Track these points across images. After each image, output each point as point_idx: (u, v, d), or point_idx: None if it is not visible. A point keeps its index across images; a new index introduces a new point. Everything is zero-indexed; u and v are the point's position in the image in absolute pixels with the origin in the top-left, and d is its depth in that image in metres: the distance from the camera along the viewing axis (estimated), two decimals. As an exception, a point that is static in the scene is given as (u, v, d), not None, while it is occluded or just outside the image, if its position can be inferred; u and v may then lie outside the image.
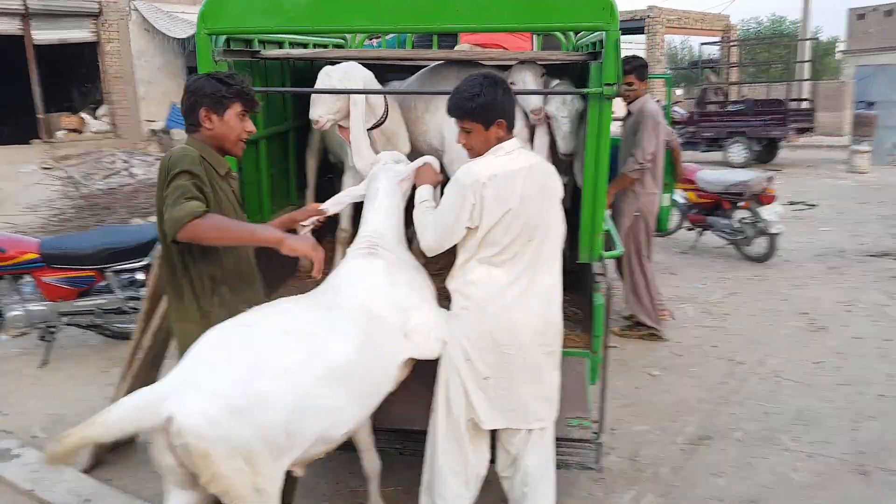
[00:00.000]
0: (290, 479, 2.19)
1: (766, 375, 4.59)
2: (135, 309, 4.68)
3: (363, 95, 3.37)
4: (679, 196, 7.03)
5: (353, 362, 2.29)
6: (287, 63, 4.23)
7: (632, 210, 5.02)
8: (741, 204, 7.06)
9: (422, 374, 2.84)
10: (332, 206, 2.99)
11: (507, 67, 3.78)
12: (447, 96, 2.61)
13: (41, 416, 4.05)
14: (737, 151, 14.62)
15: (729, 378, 4.56)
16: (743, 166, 13.74)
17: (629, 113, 5.06)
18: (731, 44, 21.37)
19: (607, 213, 4.02)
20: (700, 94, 16.34)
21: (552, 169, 2.66)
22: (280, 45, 4.20)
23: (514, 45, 4.98)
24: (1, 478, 3.37)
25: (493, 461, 2.79)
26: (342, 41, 5.11)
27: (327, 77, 3.35)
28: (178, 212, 2.13)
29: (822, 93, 19.84)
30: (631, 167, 4.84)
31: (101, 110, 15.81)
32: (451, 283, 2.67)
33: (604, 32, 2.93)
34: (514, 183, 2.49)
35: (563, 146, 3.69)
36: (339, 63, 3.53)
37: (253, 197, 3.84)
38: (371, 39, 5.84)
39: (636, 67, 4.94)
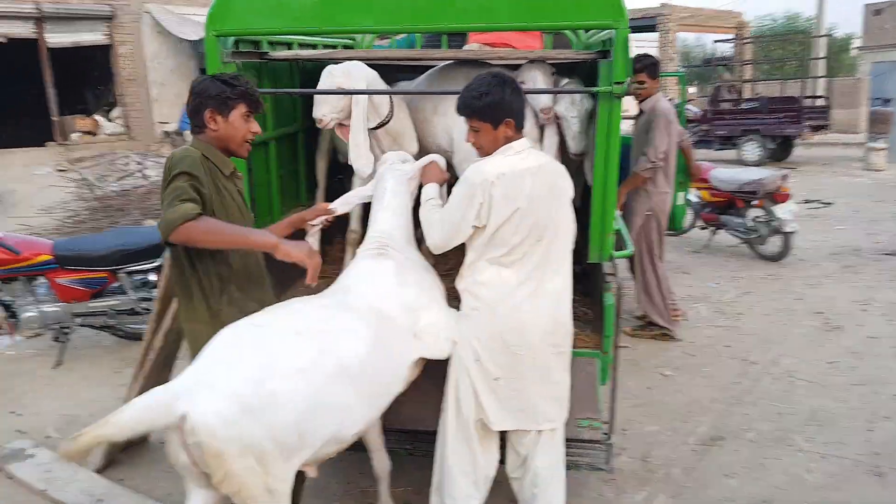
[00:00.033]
0: (298, 480, 2.19)
1: (780, 375, 4.55)
2: (147, 310, 4.71)
3: (365, 94, 3.36)
4: (692, 195, 6.99)
5: (364, 363, 2.29)
6: (296, 64, 4.24)
7: (644, 209, 4.99)
8: (755, 202, 7.00)
9: (431, 375, 2.84)
10: (340, 206, 3.00)
11: (517, 67, 3.77)
12: (455, 97, 2.61)
13: (55, 416, 4.08)
14: (751, 149, 14.48)
15: (742, 378, 4.52)
16: (757, 164, 13.62)
17: (641, 111, 5.03)
18: (745, 41, 21.22)
19: (618, 212, 4.01)
20: (713, 92, 16.21)
21: (562, 169, 2.65)
22: (289, 46, 4.21)
23: (524, 44, 4.95)
24: (15, 477, 3.40)
25: (502, 462, 2.78)
26: (351, 42, 5.13)
27: (330, 76, 3.35)
28: (171, 214, 2.13)
29: (838, 90, 19.64)
30: (643, 166, 4.81)
31: (115, 112, 15.94)
32: (461, 284, 2.66)
33: (613, 30, 2.91)
34: (522, 182, 2.48)
35: (574, 146, 3.67)
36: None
37: (263, 198, 3.86)
38: (382, 39, 5.85)
39: (648, 66, 4.91)
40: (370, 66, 3.65)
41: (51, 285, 4.82)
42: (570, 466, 2.98)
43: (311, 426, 2.09)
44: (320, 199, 4.32)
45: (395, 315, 2.56)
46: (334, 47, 4.60)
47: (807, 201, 9.98)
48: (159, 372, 3.47)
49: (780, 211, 6.83)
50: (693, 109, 15.31)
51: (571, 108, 3.59)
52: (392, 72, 4.36)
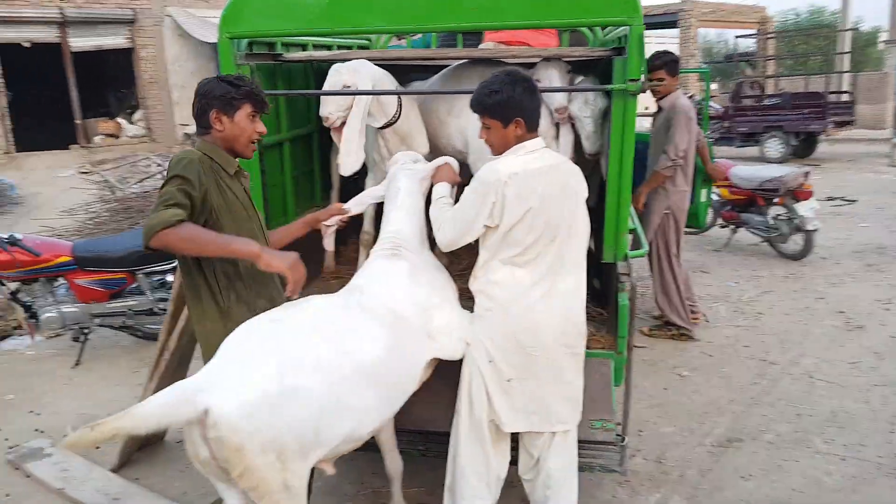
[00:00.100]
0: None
1: (800, 376, 4.47)
2: (165, 310, 4.75)
3: (373, 94, 3.35)
4: (713, 193, 6.89)
5: (380, 362, 2.30)
6: (310, 65, 4.25)
7: (662, 208, 4.94)
8: (776, 200, 6.90)
9: (444, 375, 2.83)
10: (354, 206, 3.00)
11: (533, 65, 3.74)
12: (469, 97, 2.59)
13: (73, 416, 4.13)
14: (773, 146, 14.28)
15: (760, 378, 4.45)
16: (780, 162, 13.43)
17: (660, 109, 4.98)
18: (768, 36, 20.92)
19: (632, 211, 3.97)
20: (735, 89, 16.01)
21: (576, 169, 2.63)
22: (303, 47, 4.23)
23: (539, 41, 4.93)
24: (32, 476, 3.45)
25: (514, 463, 2.76)
26: (367, 42, 5.13)
27: (337, 74, 3.36)
28: (153, 219, 2.14)
29: (864, 85, 19.29)
30: (664, 164, 4.76)
31: (137, 115, 16.12)
32: (474, 284, 2.65)
33: (627, 27, 2.88)
34: (535, 182, 2.46)
35: (588, 146, 3.65)
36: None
37: (277, 198, 3.88)
38: (400, 39, 5.85)
39: (667, 62, 4.86)
40: (383, 66, 3.65)
41: (70, 286, 4.89)
42: (584, 468, 2.96)
43: (329, 423, 2.10)
44: (335, 200, 4.33)
45: (409, 315, 2.56)
46: (349, 48, 4.60)
47: (830, 198, 9.83)
48: (174, 372, 3.49)
49: (802, 208, 6.72)
50: (715, 106, 15.13)
51: (584, 107, 3.56)
52: (406, 72, 4.36)
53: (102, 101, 17.04)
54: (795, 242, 7.03)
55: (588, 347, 2.80)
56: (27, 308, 4.90)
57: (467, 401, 2.67)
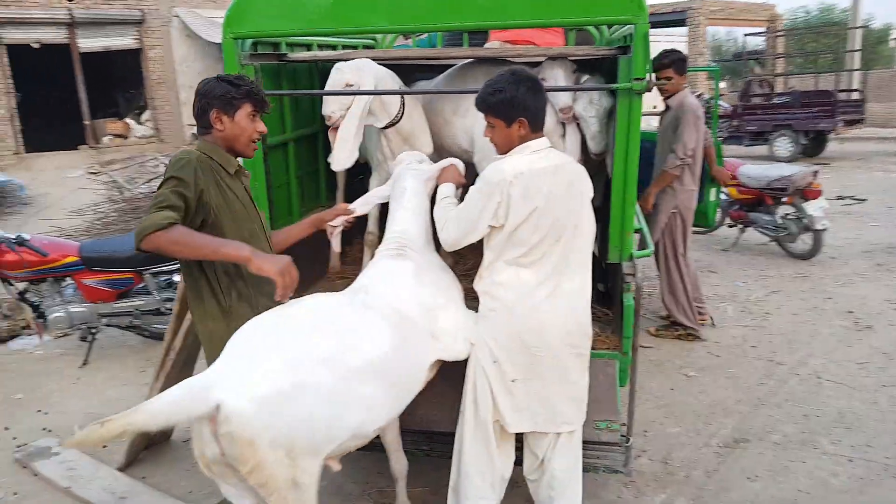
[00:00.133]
0: None
1: (807, 376, 4.44)
2: (172, 310, 4.77)
3: (366, 88, 3.35)
4: (721, 192, 6.86)
5: (386, 359, 2.30)
6: (315, 65, 4.26)
7: (669, 207, 4.92)
8: (785, 199, 6.84)
9: (448, 376, 2.83)
10: (359, 206, 3.00)
11: (539, 64, 3.73)
12: (475, 96, 2.59)
13: (81, 415, 4.15)
14: (783, 145, 14.19)
15: (768, 379, 4.43)
16: (789, 160, 13.34)
17: (667, 107, 4.96)
18: (777, 34, 20.80)
19: (638, 210, 3.95)
20: (744, 87, 15.92)
21: (581, 169, 2.62)
22: (308, 47, 4.23)
23: (545, 40, 4.91)
24: (40, 475, 3.47)
25: (519, 463, 2.76)
26: (372, 42, 5.13)
27: (339, 73, 3.36)
28: (145, 221, 2.15)
29: (874, 83, 19.13)
30: (673, 163, 4.74)
31: (145, 116, 16.19)
32: (479, 285, 2.65)
33: (632, 26, 2.87)
34: (540, 182, 2.46)
35: (593, 146, 3.64)
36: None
37: (282, 199, 3.88)
38: (407, 39, 5.85)
39: (675, 61, 4.84)
40: (388, 66, 3.65)
41: (78, 286, 4.91)
42: (588, 469, 2.95)
43: (337, 417, 2.10)
44: (340, 200, 4.34)
45: (414, 315, 2.56)
46: (355, 48, 4.61)
47: (840, 198, 9.75)
48: (180, 372, 3.50)
49: (811, 208, 6.68)
50: (723, 105, 15.06)
51: (589, 107, 3.54)
52: (411, 72, 4.36)
53: (111, 102, 17.11)
54: (804, 242, 6.98)
55: (593, 348, 2.79)
56: (35, 308, 4.93)
57: (472, 401, 2.66)
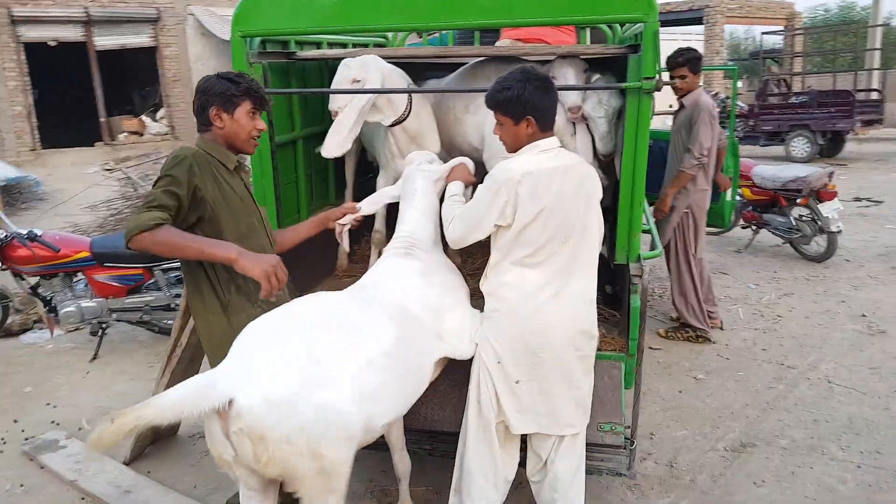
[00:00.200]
0: None
1: (818, 381, 4.39)
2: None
3: (372, 85, 3.34)
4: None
5: (393, 355, 2.30)
6: (325, 64, 4.26)
7: (682, 206, 4.89)
8: (799, 201, 6.75)
9: (452, 376, 2.83)
10: (367, 206, 3.00)
11: (550, 63, 3.71)
12: (486, 94, 2.58)
13: (89, 409, 4.19)
14: (799, 145, 14.02)
15: (777, 383, 4.38)
16: (806, 161, 13.20)
17: (682, 106, 4.92)
18: (796, 32, 20.57)
19: (649, 210, 3.92)
20: (761, 86, 15.75)
21: (591, 170, 2.60)
22: (318, 45, 4.23)
23: (557, 39, 4.87)
24: (46, 468, 3.51)
25: (523, 464, 2.75)
26: (383, 40, 5.13)
27: (346, 69, 3.35)
28: (133, 221, 2.18)
29: (894, 82, 18.88)
30: (689, 163, 4.70)
31: (160, 113, 16.35)
32: (485, 285, 2.64)
33: (642, 24, 2.84)
34: (549, 181, 2.44)
35: (601, 147, 3.61)
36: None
37: (290, 197, 3.89)
38: (420, 37, 5.85)
39: (689, 59, 4.80)
40: (398, 64, 3.64)
41: (89, 281, 4.96)
42: (592, 471, 2.93)
43: (347, 409, 2.09)
44: (349, 198, 4.35)
45: (419, 314, 2.56)
46: (366, 46, 4.60)
47: (856, 199, 9.65)
48: (186, 367, 3.53)
49: (826, 209, 6.59)
50: (739, 104, 14.91)
51: (598, 107, 3.52)
52: (421, 70, 4.35)
53: (127, 100, 17.30)
54: (818, 244, 6.90)
55: (599, 349, 2.77)
56: (47, 302, 4.98)
57: (476, 401, 2.66)
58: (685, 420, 3.94)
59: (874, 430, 3.77)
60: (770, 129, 14.36)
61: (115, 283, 4.97)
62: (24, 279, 5.02)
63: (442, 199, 2.93)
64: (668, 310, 5.52)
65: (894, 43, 27.10)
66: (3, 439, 3.85)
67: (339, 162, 4.45)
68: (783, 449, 3.62)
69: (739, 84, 21.55)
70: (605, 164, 3.72)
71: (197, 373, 3.59)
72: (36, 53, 14.51)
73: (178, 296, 5.01)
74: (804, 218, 6.84)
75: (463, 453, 2.72)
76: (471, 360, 2.67)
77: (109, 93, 15.51)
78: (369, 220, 3.64)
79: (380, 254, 3.19)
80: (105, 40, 15.07)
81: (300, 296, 2.73)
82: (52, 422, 4.03)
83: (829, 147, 14.24)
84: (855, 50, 20.13)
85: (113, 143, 15.29)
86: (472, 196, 2.70)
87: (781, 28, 20.91)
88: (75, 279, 5.03)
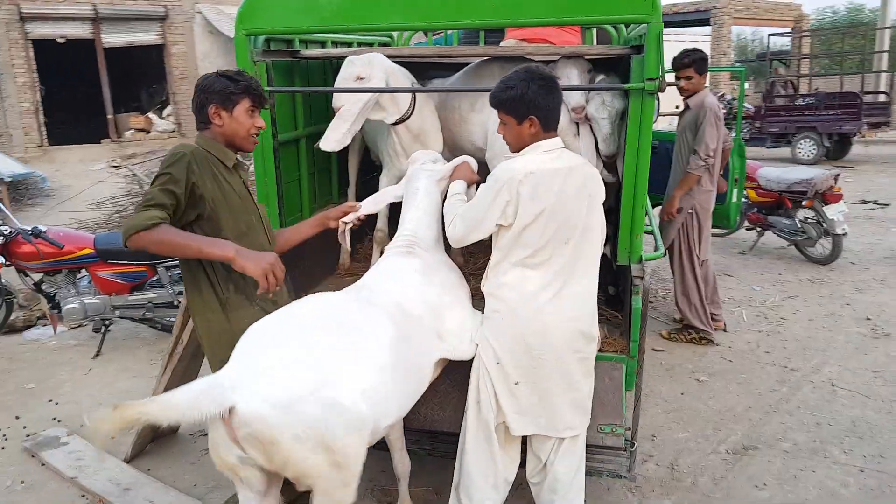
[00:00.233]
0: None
1: (821, 384, 4.36)
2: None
3: (376, 82, 3.33)
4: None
5: (393, 355, 2.29)
6: (329, 62, 4.26)
7: (686, 207, 4.87)
8: (804, 203, 6.72)
9: (451, 376, 2.83)
10: (368, 205, 2.98)
11: (555, 63, 3.70)
12: (490, 92, 2.57)
13: (91, 405, 4.19)
14: (806, 147, 13.96)
15: (780, 386, 4.35)
16: (812, 163, 13.16)
17: (687, 107, 4.91)
18: (803, 34, 20.50)
19: (652, 212, 3.91)
20: (767, 88, 15.70)
21: (595, 172, 2.59)
22: (323, 44, 4.23)
23: (562, 39, 4.86)
24: (47, 464, 3.51)
25: (522, 465, 2.74)
26: (388, 39, 5.13)
27: (350, 65, 3.35)
28: (131, 220, 2.18)
29: (902, 85, 18.78)
30: (696, 164, 4.69)
31: (167, 110, 16.38)
32: (485, 286, 2.64)
33: (646, 25, 2.83)
34: (551, 182, 2.43)
35: (605, 148, 3.60)
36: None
37: (293, 195, 3.89)
38: (426, 35, 5.84)
39: (695, 60, 4.79)
40: (402, 63, 3.64)
41: (92, 278, 4.97)
42: (592, 473, 2.93)
43: (354, 403, 2.09)
44: (352, 197, 4.35)
45: (419, 313, 2.56)
46: (370, 45, 4.60)
47: (863, 202, 9.60)
48: (187, 365, 3.53)
49: (831, 212, 6.56)
50: (746, 106, 14.86)
51: (601, 108, 3.51)
52: (425, 69, 4.35)
53: (134, 97, 17.36)
54: (823, 246, 6.87)
55: (601, 350, 2.76)
56: (50, 299, 5.00)
57: (475, 402, 2.65)
58: (687, 422, 3.92)
59: (877, 433, 3.75)
60: (776, 130, 14.32)
61: (118, 280, 4.98)
62: (28, 275, 5.04)
63: (445, 199, 2.93)
64: (671, 311, 5.50)
65: (903, 45, 26.95)
66: (4, 436, 3.87)
67: (343, 161, 4.46)
68: (785, 452, 3.60)
69: (746, 85, 21.52)
70: (609, 165, 3.70)
71: (198, 370, 3.61)
72: (44, 50, 14.56)
73: (180, 293, 5.01)
74: (809, 220, 6.81)
75: (462, 454, 2.72)
76: (471, 360, 2.67)
77: (117, 90, 15.56)
78: (372, 218, 3.64)
79: (382, 252, 3.19)
80: (113, 37, 15.11)
81: (297, 294, 2.74)
82: (54, 418, 4.04)
83: (836, 149, 14.18)
84: (863, 52, 20.06)
85: (120, 140, 15.33)
86: (475, 195, 2.70)
87: (789, 30, 20.84)
88: (79, 276, 5.04)
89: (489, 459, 2.65)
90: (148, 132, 15.78)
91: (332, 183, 4.53)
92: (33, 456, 3.62)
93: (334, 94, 3.38)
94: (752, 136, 14.33)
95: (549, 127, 2.52)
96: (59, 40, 14.63)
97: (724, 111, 5.29)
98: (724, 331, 5.23)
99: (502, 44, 4.59)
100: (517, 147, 2.55)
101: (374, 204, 3.01)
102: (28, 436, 3.82)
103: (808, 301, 5.90)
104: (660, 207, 5.23)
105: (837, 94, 14.71)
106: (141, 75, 17.08)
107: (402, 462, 2.92)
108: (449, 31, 5.34)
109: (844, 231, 6.62)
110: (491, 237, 2.58)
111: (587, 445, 2.75)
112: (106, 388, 4.48)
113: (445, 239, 2.88)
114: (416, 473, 3.04)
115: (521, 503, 3.02)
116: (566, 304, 2.51)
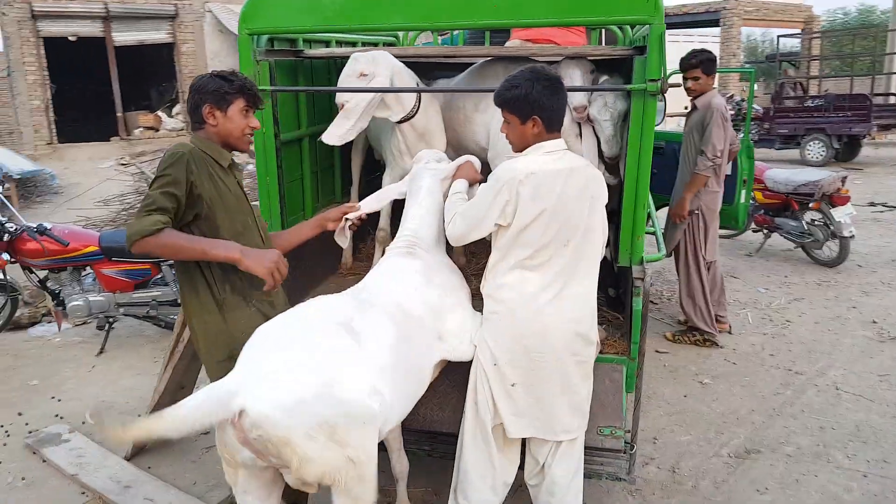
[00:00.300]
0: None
1: (825, 387, 4.33)
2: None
3: (381, 80, 3.33)
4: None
5: (395, 357, 2.29)
6: (334, 62, 4.26)
7: (692, 208, 4.84)
8: (812, 205, 6.68)
9: (451, 377, 2.82)
10: (368, 204, 2.97)
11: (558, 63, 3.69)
12: (495, 91, 2.56)
13: (94, 402, 4.22)
14: (815, 149, 13.86)
15: (785, 389, 4.33)
16: (821, 165, 13.08)
17: (694, 107, 4.89)
18: (813, 35, 20.37)
19: (655, 214, 3.89)
20: (777, 89, 15.61)
21: (597, 173, 2.58)
22: (327, 44, 4.23)
23: (568, 39, 4.85)
24: (48, 461, 3.53)
25: (522, 467, 2.73)
26: (393, 39, 5.13)
27: (355, 62, 3.34)
28: (134, 226, 2.20)
29: (913, 87, 18.62)
30: (704, 165, 4.67)
31: (177, 109, 16.44)
32: (485, 288, 2.63)
33: (648, 26, 2.81)
34: (552, 183, 2.42)
35: (607, 150, 3.58)
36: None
37: (295, 194, 3.89)
38: (443, 36, 5.84)
39: (703, 61, 4.77)
40: (407, 63, 3.63)
41: (97, 275, 4.99)
42: (592, 475, 2.92)
43: (362, 397, 2.09)
44: (355, 196, 4.35)
45: (420, 314, 2.55)
46: (375, 45, 4.60)
47: (871, 204, 9.53)
48: (189, 363, 3.53)
49: (838, 214, 6.51)
50: (755, 107, 14.77)
51: (604, 110, 3.49)
52: (430, 69, 4.35)
53: (143, 95, 17.43)
54: (830, 249, 6.82)
55: (602, 352, 2.74)
56: (55, 296, 5.02)
57: (473, 403, 2.65)
58: (689, 425, 3.90)
59: (882, 438, 3.72)
60: (785, 132, 14.22)
61: (122, 278, 5.00)
62: (33, 272, 5.07)
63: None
64: (676, 312, 5.48)
65: (915, 46, 26.74)
66: (7, 432, 3.89)
67: (346, 160, 4.46)
68: (788, 456, 3.57)
69: (755, 87, 21.39)
70: (611, 167, 3.69)
71: (199, 368, 3.61)
72: (55, 48, 14.65)
73: (184, 291, 5.03)
74: (816, 222, 6.77)
75: (461, 455, 2.71)
76: (471, 361, 2.66)
77: (127, 88, 15.63)
78: (374, 217, 3.64)
79: (384, 252, 3.18)
80: (123, 36, 15.19)
81: (296, 294, 2.74)
82: (57, 415, 4.06)
83: (845, 151, 14.07)
84: (873, 54, 19.91)
85: (129, 138, 15.40)
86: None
87: (799, 31, 20.71)
88: (84, 273, 5.07)
89: (487, 461, 2.65)
90: (157, 130, 15.85)
91: (336, 182, 4.54)
92: (35, 452, 3.64)
93: (338, 93, 3.38)
94: (760, 137, 14.25)
95: (552, 128, 2.51)
96: (70, 38, 14.72)
97: (733, 112, 5.26)
98: (729, 333, 5.20)
99: (507, 44, 4.58)
100: (520, 147, 2.54)
101: (375, 202, 3.01)
102: (30, 432, 3.84)
103: (814, 304, 5.86)
104: (665, 209, 5.21)
105: (847, 95, 14.58)
106: (151, 74, 17.15)
107: (400, 462, 2.92)
108: (455, 32, 5.33)
109: (852, 233, 6.58)
110: (490, 235, 2.57)
111: (586, 447, 2.73)
112: (109, 386, 4.50)
113: (446, 239, 2.87)
114: (415, 474, 3.03)
115: (522, 504, 3.02)
116: (566, 304, 2.49)
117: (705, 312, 4.96)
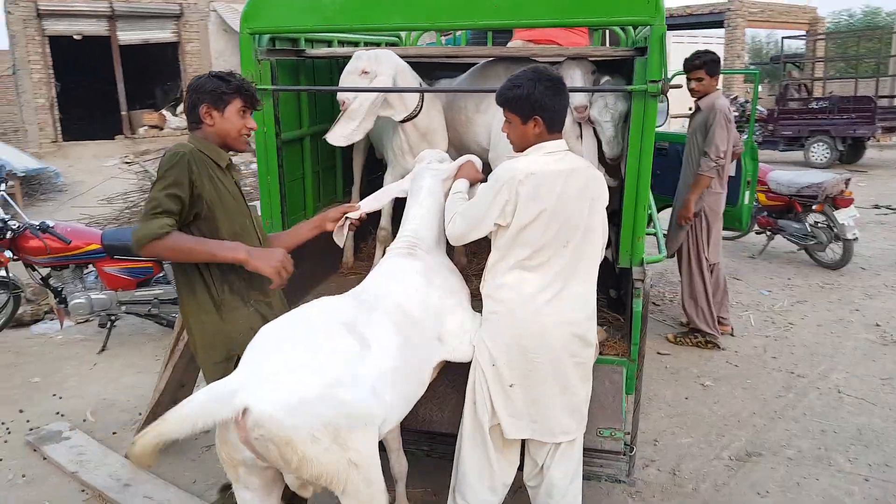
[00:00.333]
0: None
1: (827, 390, 4.31)
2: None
3: (384, 79, 3.32)
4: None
5: (395, 358, 2.29)
6: (336, 62, 4.26)
7: (696, 210, 4.83)
8: (815, 207, 6.65)
9: (450, 377, 2.81)
10: (367, 204, 2.96)
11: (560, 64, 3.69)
12: (497, 91, 2.56)
13: (95, 400, 4.23)
14: (819, 151, 13.82)
15: (786, 392, 4.31)
16: (825, 167, 13.04)
17: (698, 108, 4.88)
18: (818, 37, 20.30)
19: (656, 215, 3.88)
20: (781, 91, 15.56)
21: (598, 174, 2.57)
22: (329, 44, 4.23)
23: (570, 40, 4.84)
24: (49, 459, 3.54)
25: (521, 468, 2.72)
26: (396, 39, 5.13)
27: (357, 60, 3.34)
28: (141, 230, 2.22)
29: (918, 89, 18.54)
30: (707, 166, 4.66)
31: (181, 108, 16.45)
32: (484, 288, 2.62)
33: (649, 27, 2.81)
34: (553, 183, 2.42)
35: (608, 151, 3.58)
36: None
37: (297, 194, 3.89)
38: (445, 36, 5.84)
39: (707, 62, 4.76)
40: (410, 63, 3.63)
41: (99, 273, 5.00)
42: (591, 477, 2.91)
43: (365, 399, 2.09)
44: (356, 195, 4.34)
45: (420, 315, 2.55)
46: (378, 45, 4.60)
47: (875, 206, 9.50)
48: (189, 361, 3.54)
49: (842, 216, 6.48)
50: (759, 108, 14.73)
51: (605, 111, 3.49)
52: (433, 69, 4.35)
53: (148, 94, 17.46)
54: (833, 251, 6.80)
55: (601, 353, 2.73)
56: (57, 293, 5.03)
57: (471, 403, 2.64)
58: (690, 427, 3.89)
59: (884, 441, 3.70)
60: (790, 133, 14.18)
61: (124, 276, 5.02)
62: (35, 270, 5.08)
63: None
64: (678, 314, 5.47)
65: (921, 49, 26.64)
66: (8, 429, 3.90)
67: (347, 159, 4.46)
68: (789, 459, 3.56)
69: (760, 88, 21.34)
70: (611, 169, 3.68)
71: (199, 368, 3.61)
72: (60, 47, 14.69)
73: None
74: (819, 224, 6.75)
75: (459, 456, 2.71)
76: (471, 361, 2.65)
77: (131, 87, 15.66)
78: (375, 217, 3.63)
79: (385, 251, 3.18)
80: (128, 35, 15.22)
81: (295, 293, 2.73)
82: (58, 413, 4.07)
83: (850, 153, 14.02)
84: (878, 56, 19.83)
85: (133, 136, 15.43)
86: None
87: (803, 32, 20.65)
88: (86, 271, 5.08)
89: (485, 461, 2.64)
90: (161, 129, 15.87)
91: (337, 182, 4.54)
92: (35, 450, 3.65)
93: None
94: (765, 139, 14.20)
95: (553, 128, 2.50)
96: (75, 37, 14.76)
97: (737, 114, 5.25)
98: (731, 335, 5.19)
99: (509, 45, 4.58)
100: (521, 147, 2.53)
101: (375, 201, 3.00)
102: (31, 430, 3.85)
103: (816, 306, 5.84)
104: (667, 210, 5.20)
105: (851, 97, 14.54)
106: (156, 73, 17.17)
107: (399, 463, 2.91)
108: (457, 32, 5.32)
109: (855, 236, 6.55)
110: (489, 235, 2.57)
111: (586, 449, 2.73)
112: (111, 384, 4.50)
113: (447, 239, 2.87)
114: (415, 475, 3.03)
115: (522, 505, 3.01)
116: (566, 305, 2.49)
117: (707, 314, 4.95)
